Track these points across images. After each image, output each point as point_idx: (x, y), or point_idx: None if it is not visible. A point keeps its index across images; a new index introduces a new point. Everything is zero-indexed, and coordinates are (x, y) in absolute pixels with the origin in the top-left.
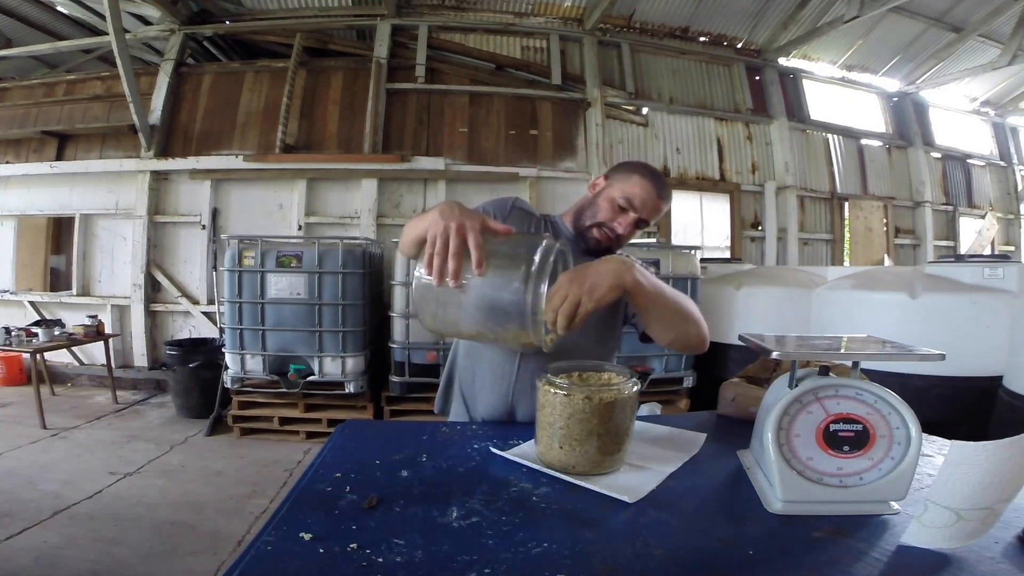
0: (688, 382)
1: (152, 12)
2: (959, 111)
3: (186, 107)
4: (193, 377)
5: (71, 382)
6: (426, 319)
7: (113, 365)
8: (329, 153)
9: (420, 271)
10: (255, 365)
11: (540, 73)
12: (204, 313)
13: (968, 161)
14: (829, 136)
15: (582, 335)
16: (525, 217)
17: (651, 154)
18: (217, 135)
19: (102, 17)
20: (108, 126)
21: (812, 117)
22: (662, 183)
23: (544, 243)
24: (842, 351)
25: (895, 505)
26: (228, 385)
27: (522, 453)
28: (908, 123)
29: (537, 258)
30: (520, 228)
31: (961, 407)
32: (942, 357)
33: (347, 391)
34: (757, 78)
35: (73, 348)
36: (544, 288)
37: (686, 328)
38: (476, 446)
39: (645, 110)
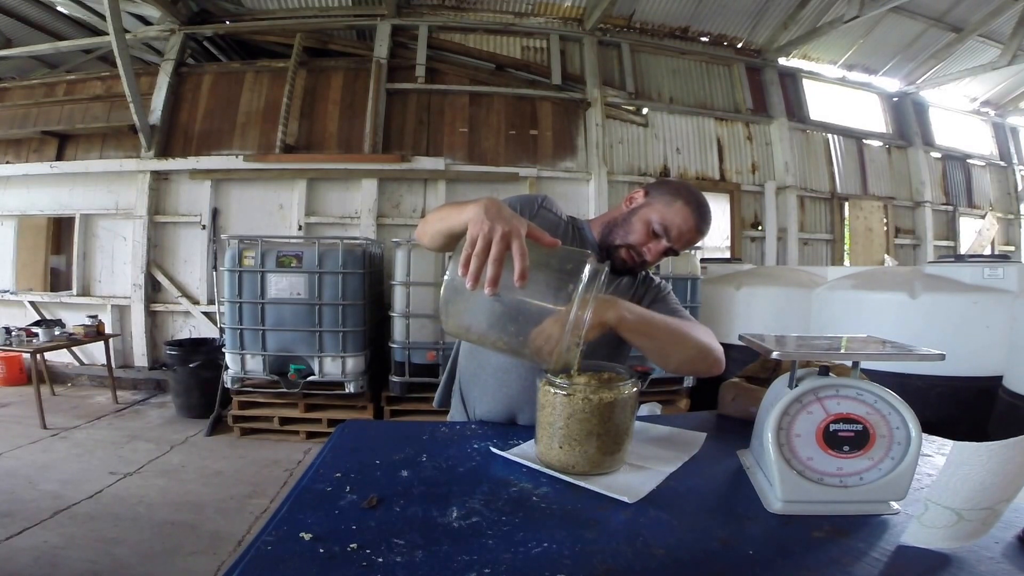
0: (688, 382)
1: (152, 12)
2: (959, 111)
3: (186, 107)
4: (193, 377)
5: (71, 382)
6: (448, 321)
7: (113, 365)
8: (329, 153)
9: (453, 270)
10: (255, 365)
11: (540, 73)
12: (204, 313)
13: (968, 161)
14: (829, 136)
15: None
16: (551, 219)
17: (651, 154)
18: (217, 135)
19: (102, 17)
20: (108, 126)
21: (812, 117)
22: (705, 215)
23: (590, 263)
24: (842, 351)
25: (895, 505)
26: (228, 385)
27: (522, 453)
28: (908, 123)
29: (584, 279)
30: (546, 231)
31: (961, 407)
32: (942, 357)
33: (347, 391)
34: (757, 78)
35: (73, 348)
36: (588, 314)
37: (686, 354)
38: (476, 446)
39: (645, 110)
